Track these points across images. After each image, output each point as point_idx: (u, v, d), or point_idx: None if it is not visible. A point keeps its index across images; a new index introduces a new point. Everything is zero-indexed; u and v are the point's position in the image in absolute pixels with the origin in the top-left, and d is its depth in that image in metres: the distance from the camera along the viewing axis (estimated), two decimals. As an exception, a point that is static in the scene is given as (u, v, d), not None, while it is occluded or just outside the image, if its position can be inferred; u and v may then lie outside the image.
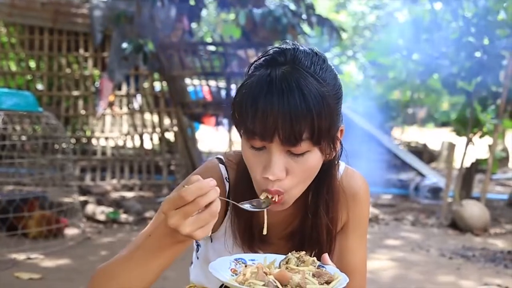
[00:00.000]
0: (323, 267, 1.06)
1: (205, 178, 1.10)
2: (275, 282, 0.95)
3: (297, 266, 1.03)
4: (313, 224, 1.19)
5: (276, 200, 1.07)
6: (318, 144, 1.05)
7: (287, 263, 1.04)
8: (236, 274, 1.03)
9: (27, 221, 3.99)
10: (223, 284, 1.26)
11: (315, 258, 1.05)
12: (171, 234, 0.97)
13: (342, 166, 1.27)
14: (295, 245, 1.20)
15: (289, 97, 1.00)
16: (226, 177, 1.21)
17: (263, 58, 1.11)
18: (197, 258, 1.33)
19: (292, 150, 1.04)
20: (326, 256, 1.07)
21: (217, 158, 1.25)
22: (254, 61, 1.12)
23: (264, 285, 0.94)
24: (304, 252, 1.06)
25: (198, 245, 1.33)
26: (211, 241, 1.27)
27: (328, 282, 1.00)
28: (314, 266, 1.04)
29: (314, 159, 1.07)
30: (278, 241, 1.23)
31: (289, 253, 1.06)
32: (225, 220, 1.24)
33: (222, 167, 1.22)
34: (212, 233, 1.26)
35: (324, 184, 1.17)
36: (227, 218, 1.23)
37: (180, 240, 0.98)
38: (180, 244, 1.00)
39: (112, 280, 1.08)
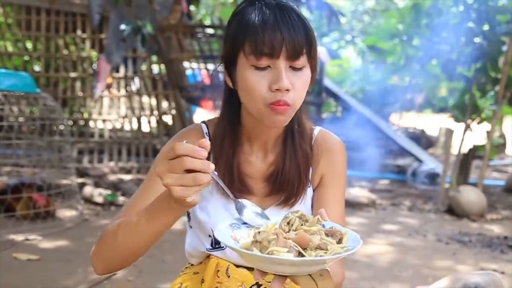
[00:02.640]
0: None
1: (189, 135, 1.32)
2: (296, 247, 0.93)
3: (302, 225, 1.01)
4: (291, 160, 1.28)
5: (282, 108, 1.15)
6: (311, 60, 1.19)
7: (288, 224, 1.02)
8: (237, 241, 1.01)
9: (16, 203, 3.99)
10: (212, 242, 1.30)
11: (319, 217, 1.05)
12: (167, 198, 1.02)
13: (317, 129, 1.38)
14: (272, 188, 1.29)
15: (288, 15, 1.15)
16: (206, 132, 1.34)
17: (246, 2, 1.21)
18: (190, 227, 1.37)
19: (294, 64, 1.16)
20: (323, 211, 1.08)
21: (201, 121, 1.39)
22: (237, 7, 1.22)
23: (287, 251, 0.92)
24: (301, 211, 1.05)
25: (188, 213, 1.36)
26: None
27: (340, 240, 0.99)
28: (320, 224, 1.02)
29: (307, 76, 1.20)
30: (256, 186, 1.30)
31: (288, 213, 1.04)
32: None
33: (203, 125, 1.36)
34: None
35: (296, 116, 1.26)
36: None
37: (172, 206, 1.02)
38: (173, 211, 1.04)
39: (117, 236, 1.14)
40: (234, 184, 1.26)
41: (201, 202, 1.30)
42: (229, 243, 0.98)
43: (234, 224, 1.06)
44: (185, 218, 1.38)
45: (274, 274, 0.94)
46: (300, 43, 1.15)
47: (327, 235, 0.99)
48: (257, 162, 1.31)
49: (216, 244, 1.30)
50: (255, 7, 1.17)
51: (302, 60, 1.16)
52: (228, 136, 1.28)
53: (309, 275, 0.96)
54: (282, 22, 1.14)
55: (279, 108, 1.15)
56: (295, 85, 1.16)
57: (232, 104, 1.27)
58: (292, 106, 1.17)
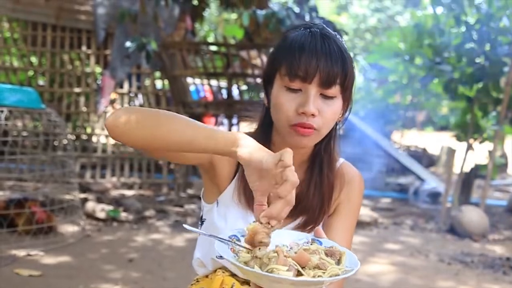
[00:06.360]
0: (318, 241, 1.06)
1: None
2: (296, 266, 0.94)
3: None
4: (315, 188, 1.30)
5: (305, 132, 1.20)
6: (344, 91, 1.23)
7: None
8: (236, 254, 1.01)
9: (18, 218, 3.99)
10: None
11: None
12: (232, 143, 1.06)
13: (340, 160, 1.41)
14: (293, 211, 1.26)
15: (328, 44, 1.20)
16: None
17: (296, 27, 1.28)
18: None
19: (325, 92, 1.20)
20: (320, 229, 1.11)
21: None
22: (286, 31, 1.29)
23: (287, 270, 0.92)
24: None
25: (203, 221, 1.39)
26: (217, 205, 1.34)
27: (339, 260, 1.00)
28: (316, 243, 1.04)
29: (338, 106, 1.24)
30: None
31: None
32: (232, 182, 1.32)
33: None
34: (219, 195, 1.34)
35: (328, 145, 1.32)
36: (235, 180, 1.32)
37: (234, 152, 1.06)
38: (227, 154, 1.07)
39: (172, 119, 1.11)
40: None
41: (220, 207, 1.33)
42: (228, 256, 0.98)
43: (234, 236, 1.06)
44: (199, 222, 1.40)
45: None
46: (334, 73, 1.19)
47: (326, 254, 0.99)
48: None
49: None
50: (300, 33, 1.24)
51: (334, 90, 1.21)
52: None
53: None
54: (320, 50, 1.19)
55: (302, 130, 1.19)
56: (323, 112, 1.20)
57: (266, 122, 1.32)
58: (318, 131, 1.21)
